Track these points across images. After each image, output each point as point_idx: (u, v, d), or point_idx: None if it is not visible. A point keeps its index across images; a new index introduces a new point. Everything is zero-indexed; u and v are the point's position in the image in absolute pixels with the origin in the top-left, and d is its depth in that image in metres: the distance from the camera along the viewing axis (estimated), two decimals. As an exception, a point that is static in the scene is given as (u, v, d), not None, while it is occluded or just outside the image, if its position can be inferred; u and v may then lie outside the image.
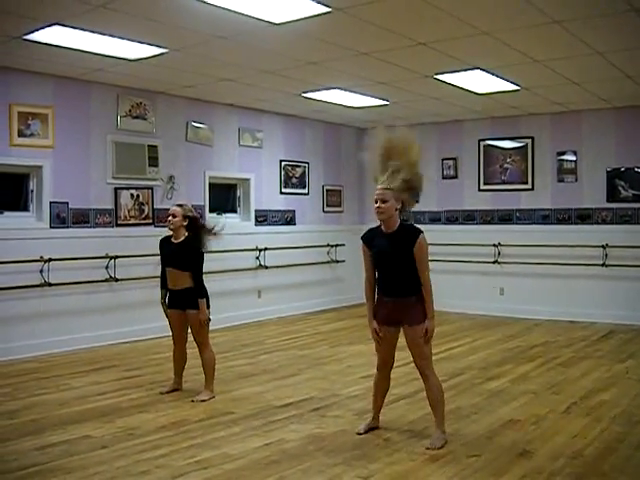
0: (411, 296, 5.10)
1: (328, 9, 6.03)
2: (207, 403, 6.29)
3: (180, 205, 6.59)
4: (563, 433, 5.39)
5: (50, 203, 8.57)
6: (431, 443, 5.05)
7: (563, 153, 11.33)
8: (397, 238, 5.10)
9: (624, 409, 6.04)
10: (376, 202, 5.12)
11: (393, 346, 5.30)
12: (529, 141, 11.65)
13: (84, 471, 4.58)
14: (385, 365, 5.38)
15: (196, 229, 6.52)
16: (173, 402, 6.34)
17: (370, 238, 5.27)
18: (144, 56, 7.62)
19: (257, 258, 11.21)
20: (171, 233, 6.54)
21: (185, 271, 6.41)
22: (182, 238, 6.47)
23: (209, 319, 6.44)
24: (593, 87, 9.28)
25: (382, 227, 5.20)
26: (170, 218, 6.46)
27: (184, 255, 6.41)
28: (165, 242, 6.60)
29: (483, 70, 8.33)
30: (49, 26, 6.46)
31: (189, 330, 6.57)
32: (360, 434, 5.38)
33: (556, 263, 11.16)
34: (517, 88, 9.30)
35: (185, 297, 6.44)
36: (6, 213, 8.40)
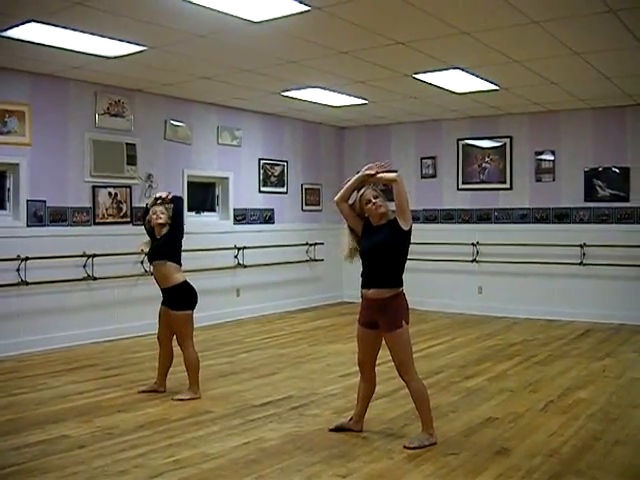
0: (391, 288, 5.07)
1: (307, 8, 6.02)
2: (185, 402, 6.26)
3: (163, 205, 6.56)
4: (540, 431, 5.42)
5: (27, 201, 8.50)
6: (410, 442, 5.05)
7: (541, 153, 11.39)
8: (388, 228, 5.13)
9: (601, 407, 6.09)
10: (370, 201, 5.15)
11: (372, 346, 5.26)
12: (507, 140, 11.70)
13: (62, 471, 4.55)
14: (361, 366, 5.36)
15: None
16: (152, 401, 6.31)
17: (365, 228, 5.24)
18: (122, 54, 7.58)
19: (236, 257, 11.18)
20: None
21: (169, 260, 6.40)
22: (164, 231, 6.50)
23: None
24: (571, 87, 9.33)
25: (371, 221, 5.21)
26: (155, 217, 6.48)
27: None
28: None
29: (462, 70, 8.36)
30: (25, 23, 6.41)
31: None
32: (331, 430, 5.40)
33: (534, 262, 11.23)
34: (496, 88, 9.34)
35: (170, 296, 6.41)
36: (-18, 211, 8.34)
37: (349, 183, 5.32)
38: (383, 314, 5.06)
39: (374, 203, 5.14)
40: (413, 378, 5.12)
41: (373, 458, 4.83)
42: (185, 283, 6.43)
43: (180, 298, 6.38)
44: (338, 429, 5.41)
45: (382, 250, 5.09)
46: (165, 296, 6.47)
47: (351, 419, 5.44)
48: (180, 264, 6.48)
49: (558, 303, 11.12)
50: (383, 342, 5.21)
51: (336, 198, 5.30)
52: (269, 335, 9.83)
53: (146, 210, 6.65)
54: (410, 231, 5.13)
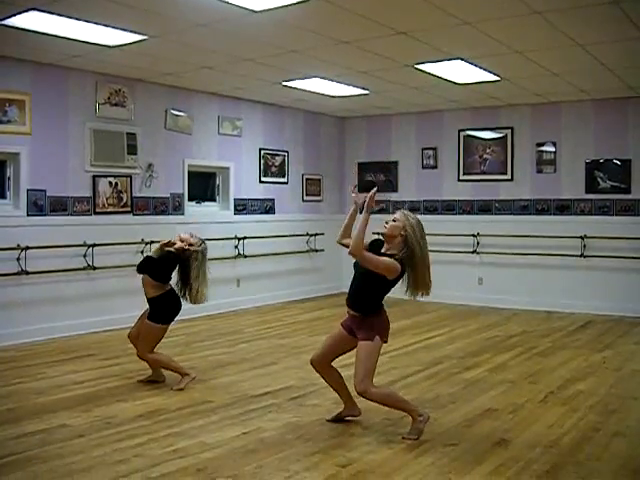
0: (365, 315, 5.09)
1: (309, -4, 6.00)
2: (185, 392, 6.28)
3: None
4: (540, 422, 5.43)
5: (27, 190, 8.49)
6: (408, 433, 5.06)
7: (542, 144, 11.37)
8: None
9: (601, 398, 6.09)
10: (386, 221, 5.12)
11: (338, 348, 5.31)
12: (509, 132, 11.67)
13: (61, 460, 4.56)
14: (318, 362, 5.38)
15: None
16: (151, 391, 6.32)
17: (375, 248, 5.20)
18: (123, 43, 7.55)
19: (236, 247, 11.17)
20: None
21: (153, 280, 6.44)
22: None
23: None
24: (573, 79, 9.31)
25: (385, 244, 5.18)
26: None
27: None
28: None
29: (464, 60, 8.33)
30: (26, 11, 6.38)
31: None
32: (328, 420, 5.42)
33: (535, 253, 11.22)
34: (497, 79, 9.32)
35: (149, 305, 6.49)
36: (-18, 200, 8.33)
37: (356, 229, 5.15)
38: (361, 327, 5.09)
39: (386, 222, 5.12)
40: (370, 389, 5.03)
41: (372, 448, 4.84)
42: (160, 297, 6.42)
43: (156, 311, 6.44)
44: (335, 420, 5.42)
45: (361, 277, 5.12)
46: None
47: (345, 407, 5.46)
48: (164, 282, 6.49)
49: (558, 295, 11.12)
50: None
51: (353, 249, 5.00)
52: (269, 325, 9.83)
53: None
54: (396, 280, 5.04)
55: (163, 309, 6.41)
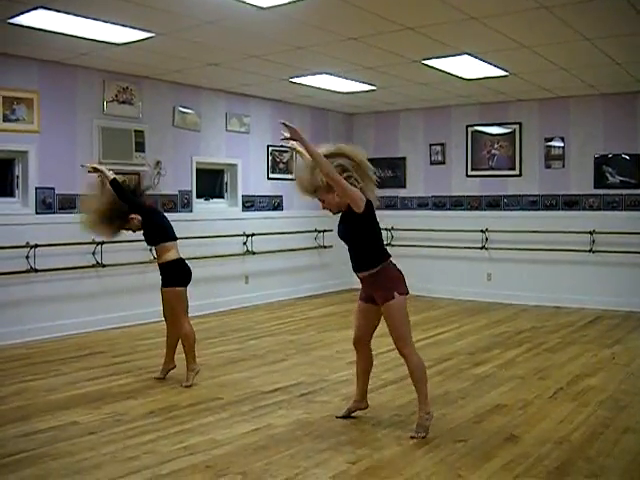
0: (372, 268, 5.04)
1: (316, -7, 6.00)
2: (195, 388, 6.29)
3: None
4: (550, 418, 5.42)
5: (36, 189, 8.52)
6: (416, 431, 5.02)
7: (551, 139, 11.34)
8: (347, 215, 5.05)
9: (610, 394, 6.08)
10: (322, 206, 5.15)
11: (369, 321, 5.23)
12: (517, 127, 11.64)
13: (72, 457, 4.58)
14: (357, 342, 5.33)
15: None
16: (161, 388, 6.33)
17: None
18: (130, 40, 7.56)
19: (244, 244, 11.18)
20: None
21: (152, 244, 6.51)
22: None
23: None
24: (581, 73, 9.27)
25: None
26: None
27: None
28: None
29: (471, 55, 8.31)
30: (33, 9, 6.39)
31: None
32: (339, 417, 5.41)
33: (543, 249, 11.20)
34: (505, 74, 9.29)
35: (161, 273, 6.50)
36: (-9, 198, 8.36)
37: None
38: (376, 288, 5.04)
39: (323, 207, 5.17)
40: (412, 352, 5.03)
41: (382, 445, 4.84)
42: (174, 262, 6.46)
43: (167, 275, 6.45)
44: (346, 416, 5.42)
45: (347, 240, 5.14)
46: (160, 274, 6.55)
47: (355, 400, 5.45)
48: (169, 239, 6.51)
49: (567, 290, 11.09)
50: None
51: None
52: (278, 322, 9.84)
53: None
54: (366, 213, 4.96)
55: (179, 269, 6.47)
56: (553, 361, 7.38)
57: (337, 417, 5.42)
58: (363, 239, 5.04)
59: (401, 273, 5.10)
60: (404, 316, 5.01)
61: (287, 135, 5.05)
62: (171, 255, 6.45)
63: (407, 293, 5.07)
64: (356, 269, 5.13)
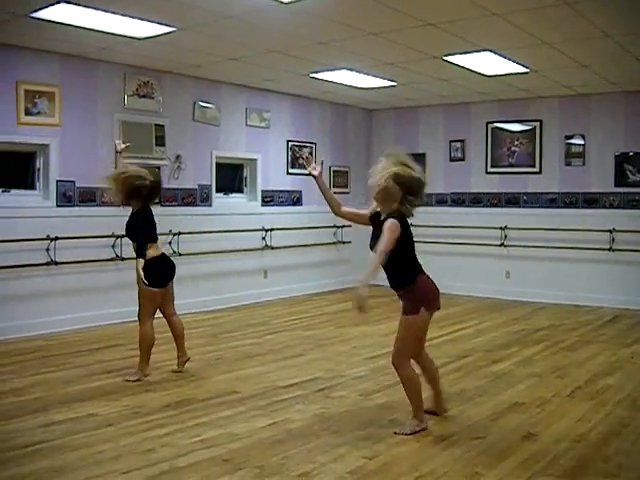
0: (401, 288, 5.02)
1: (337, -12, 6.00)
2: (212, 382, 6.32)
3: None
4: (567, 416, 5.40)
5: (57, 182, 8.57)
6: (401, 428, 5.02)
7: (571, 137, 11.28)
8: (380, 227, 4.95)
9: (629, 393, 6.05)
10: None
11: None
12: (537, 124, 11.59)
13: (89, 449, 4.61)
14: (416, 355, 5.25)
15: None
16: (178, 381, 6.36)
17: (375, 218, 5.15)
18: (152, 35, 7.58)
19: (263, 238, 11.20)
20: None
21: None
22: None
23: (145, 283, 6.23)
24: (602, 70, 9.22)
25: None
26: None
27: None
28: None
29: (492, 52, 8.27)
30: (55, 4, 6.42)
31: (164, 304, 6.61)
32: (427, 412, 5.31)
33: (563, 247, 11.14)
34: (526, 70, 9.25)
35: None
36: (13, 191, 8.39)
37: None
38: (405, 301, 5.02)
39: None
40: (403, 365, 5.00)
41: (399, 441, 4.84)
42: (153, 260, 6.31)
43: (147, 273, 6.26)
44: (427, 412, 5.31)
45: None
46: None
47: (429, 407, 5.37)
48: (156, 239, 6.44)
49: (586, 288, 11.04)
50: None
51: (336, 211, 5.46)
52: (296, 317, 9.85)
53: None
54: (400, 234, 4.86)
55: (157, 269, 6.31)
56: (571, 359, 7.35)
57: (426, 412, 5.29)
58: (395, 258, 4.90)
59: (431, 289, 5.03)
60: (417, 332, 5.00)
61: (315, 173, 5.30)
62: (152, 252, 6.32)
63: (438, 309, 5.06)
64: (392, 286, 5.11)
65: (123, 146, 6.86)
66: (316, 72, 9.77)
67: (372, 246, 5.02)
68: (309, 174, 5.45)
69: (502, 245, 11.83)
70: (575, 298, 11.04)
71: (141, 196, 6.35)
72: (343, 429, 5.08)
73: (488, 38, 7.69)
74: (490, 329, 9.04)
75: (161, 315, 6.65)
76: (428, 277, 5.06)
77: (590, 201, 11.08)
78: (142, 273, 6.16)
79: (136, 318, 6.49)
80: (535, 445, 4.76)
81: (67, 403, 5.63)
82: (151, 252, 6.31)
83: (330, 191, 5.50)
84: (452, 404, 5.63)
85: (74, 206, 8.70)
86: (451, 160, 12.54)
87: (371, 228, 5.18)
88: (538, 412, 5.52)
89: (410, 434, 4.95)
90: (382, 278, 5.11)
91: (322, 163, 5.38)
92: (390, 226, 4.81)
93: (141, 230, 6.32)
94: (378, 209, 5.12)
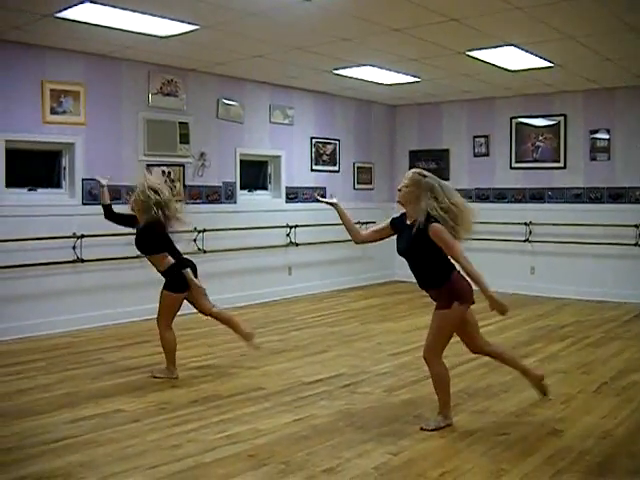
0: (438, 286, 4.97)
1: (360, -15, 5.99)
2: (237, 379, 6.35)
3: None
4: (593, 413, 5.38)
5: (82, 180, 8.64)
6: (427, 424, 5.02)
7: (596, 131, 11.20)
8: (417, 230, 4.90)
9: (655, 389, 6.02)
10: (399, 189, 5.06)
11: (467, 327, 5.17)
12: (562, 119, 11.52)
13: (116, 444, 4.66)
14: (474, 349, 5.31)
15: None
16: (204, 377, 6.40)
17: (398, 224, 5.18)
18: (175, 33, 7.62)
19: (288, 235, 11.23)
20: None
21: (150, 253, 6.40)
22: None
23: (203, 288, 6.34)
24: (627, 64, 9.14)
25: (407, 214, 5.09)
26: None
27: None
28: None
29: (516, 46, 8.24)
30: (80, 3, 6.47)
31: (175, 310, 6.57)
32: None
33: (588, 242, 11.07)
34: (550, 65, 9.20)
35: (165, 277, 6.44)
36: (39, 190, 8.48)
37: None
38: (439, 299, 4.99)
39: (399, 189, 5.05)
40: (434, 360, 5.00)
41: (424, 436, 4.84)
42: (174, 265, 6.37)
43: (172, 279, 6.35)
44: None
45: (412, 259, 5.03)
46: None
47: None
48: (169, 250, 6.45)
49: (611, 284, 10.97)
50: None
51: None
52: (320, 313, 9.88)
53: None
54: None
55: (178, 278, 6.34)
56: (596, 356, 7.31)
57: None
58: (431, 260, 4.93)
59: (467, 284, 4.97)
60: (450, 327, 4.98)
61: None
62: (170, 260, 6.36)
63: (472, 303, 5.03)
64: (424, 286, 5.09)
65: (105, 181, 6.87)
66: (339, 68, 9.78)
67: (401, 250, 5.07)
68: (329, 204, 5.59)
69: (527, 241, 11.78)
70: (600, 294, 10.97)
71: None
72: (368, 425, 5.10)
73: (511, 33, 7.65)
74: (515, 325, 9.00)
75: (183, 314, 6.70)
76: (459, 272, 5.02)
77: (615, 196, 11.00)
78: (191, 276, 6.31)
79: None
80: (561, 441, 4.75)
81: (94, 399, 5.68)
82: (169, 260, 6.38)
83: (350, 219, 5.51)
84: (477, 400, 5.64)
85: (99, 204, 8.72)
86: (475, 156, 12.50)
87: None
88: (563, 408, 5.50)
89: (434, 430, 4.96)
90: (405, 275, 5.12)
91: (332, 196, 5.48)
92: (439, 229, 4.82)
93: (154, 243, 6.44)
94: (400, 213, 5.13)
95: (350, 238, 5.55)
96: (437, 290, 4.98)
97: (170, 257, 6.37)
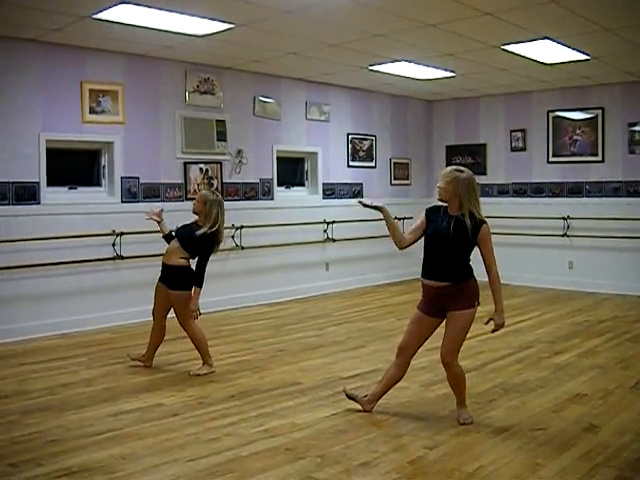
0: (462, 280, 4.92)
1: (394, -19, 6.01)
2: (275, 374, 6.41)
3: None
4: (631, 409, 5.35)
5: (121, 178, 8.76)
6: (463, 419, 5.04)
7: (634, 124, 11.08)
8: (461, 220, 4.88)
9: (695, 385, 5.97)
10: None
11: (422, 337, 5.10)
12: (599, 112, 11.41)
13: (156, 437, 4.74)
14: (402, 350, 5.17)
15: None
16: (242, 372, 6.46)
17: (433, 213, 5.15)
18: (211, 32, 7.69)
19: (325, 231, 11.27)
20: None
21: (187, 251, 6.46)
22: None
23: (199, 312, 6.43)
24: (666, 56, 9.06)
25: (448, 208, 5.03)
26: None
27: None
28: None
29: (551, 40, 8.18)
30: (117, 5, 6.57)
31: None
32: (346, 393, 5.39)
33: (627, 236, 10.96)
34: (587, 58, 9.12)
35: (169, 274, 6.52)
36: (79, 188, 8.62)
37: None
38: (457, 297, 4.88)
39: (438, 186, 5.02)
40: (454, 363, 4.98)
41: (460, 431, 4.87)
42: (188, 268, 6.48)
43: (179, 278, 6.44)
44: (350, 397, 5.36)
45: (443, 249, 4.93)
46: (164, 273, 6.57)
47: (365, 396, 5.34)
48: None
49: (652, 278, 10.88)
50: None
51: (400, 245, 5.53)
52: (357, 309, 9.91)
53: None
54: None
55: (189, 276, 6.45)
56: (635, 351, 7.26)
57: (344, 391, 5.43)
58: (463, 254, 4.91)
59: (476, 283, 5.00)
60: (468, 329, 4.96)
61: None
62: (184, 262, 6.50)
63: (479, 304, 4.99)
64: (438, 276, 4.94)
65: (159, 216, 6.98)
66: (375, 64, 9.79)
67: (440, 231, 4.97)
68: (375, 208, 5.55)
69: (565, 235, 11.69)
70: (639, 289, 10.86)
71: None
72: (404, 420, 5.13)
73: (546, 26, 7.61)
74: (552, 320, 8.97)
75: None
76: None
77: (655, 189, 10.90)
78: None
79: (201, 310, 6.54)
80: (597, 437, 4.73)
81: (135, 393, 5.79)
82: (183, 261, 6.51)
83: (396, 224, 5.52)
84: (514, 395, 5.64)
85: (138, 202, 8.87)
86: (512, 150, 12.44)
87: None
88: (601, 404, 5.48)
89: (472, 422, 4.99)
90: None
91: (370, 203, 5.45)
92: (489, 233, 4.90)
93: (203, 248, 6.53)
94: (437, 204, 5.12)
95: (389, 236, 5.47)
96: (455, 285, 4.87)
97: (189, 263, 6.50)
